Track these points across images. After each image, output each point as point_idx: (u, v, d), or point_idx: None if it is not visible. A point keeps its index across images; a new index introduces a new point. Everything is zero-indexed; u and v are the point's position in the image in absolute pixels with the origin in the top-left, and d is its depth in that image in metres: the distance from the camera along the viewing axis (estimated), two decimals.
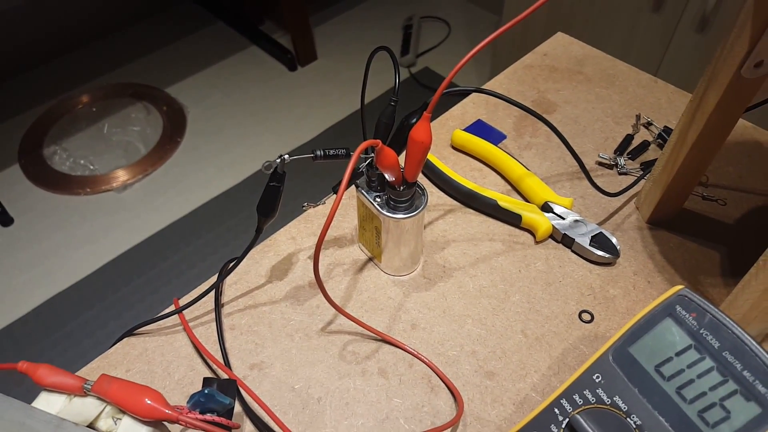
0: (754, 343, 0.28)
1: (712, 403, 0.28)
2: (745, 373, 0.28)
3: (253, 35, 1.98)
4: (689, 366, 0.29)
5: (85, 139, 1.69)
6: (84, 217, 1.50)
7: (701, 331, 0.29)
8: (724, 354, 0.29)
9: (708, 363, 0.29)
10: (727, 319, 0.29)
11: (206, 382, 0.32)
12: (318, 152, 0.36)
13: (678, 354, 0.30)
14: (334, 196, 0.48)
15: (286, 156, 0.35)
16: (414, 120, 0.39)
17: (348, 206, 0.48)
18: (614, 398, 0.30)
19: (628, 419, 0.30)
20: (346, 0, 2.15)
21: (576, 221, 0.44)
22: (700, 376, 0.29)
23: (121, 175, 1.61)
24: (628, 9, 1.16)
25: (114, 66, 1.90)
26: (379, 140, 0.34)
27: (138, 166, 1.64)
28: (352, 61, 1.91)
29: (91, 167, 1.63)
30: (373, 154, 0.36)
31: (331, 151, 0.36)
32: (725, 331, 0.29)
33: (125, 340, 0.40)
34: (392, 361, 0.39)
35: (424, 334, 0.40)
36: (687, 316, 0.30)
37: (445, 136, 0.53)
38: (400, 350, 0.39)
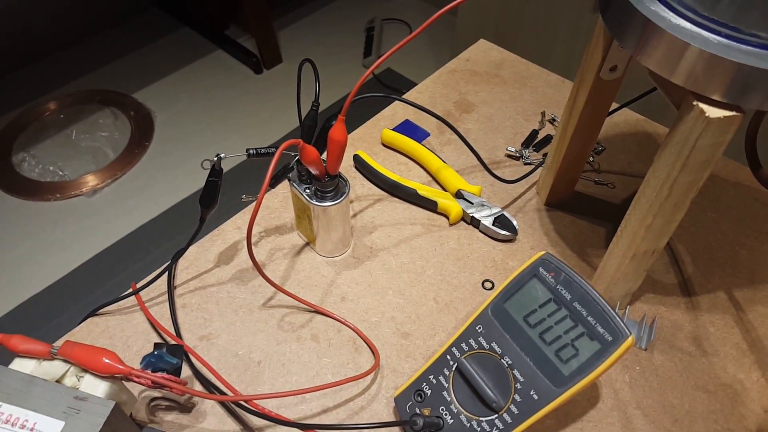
0: (596, 294, 0.36)
1: (566, 344, 0.35)
2: (590, 318, 0.35)
3: (218, 40, 2.02)
4: (549, 315, 0.36)
5: (53, 146, 1.72)
6: (55, 222, 1.53)
7: (558, 287, 0.37)
8: (574, 304, 0.36)
9: (563, 312, 0.36)
10: (577, 275, 0.36)
11: (156, 346, 0.38)
12: (251, 151, 0.42)
13: (541, 306, 0.37)
14: (271, 189, 0.54)
15: (222, 154, 0.41)
16: (332, 122, 0.45)
17: (287, 199, 0.54)
18: (492, 344, 0.37)
19: (502, 360, 0.37)
20: (309, 4, 2.20)
21: (483, 205, 0.52)
22: (557, 323, 0.36)
23: (91, 180, 1.64)
24: (570, 10, 1.25)
25: (81, 73, 1.92)
26: (300, 140, 0.41)
27: (107, 170, 1.67)
28: (317, 64, 1.96)
29: (61, 173, 1.66)
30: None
31: (262, 150, 0.42)
32: (575, 285, 0.36)
33: (89, 319, 0.45)
34: (323, 328, 0.45)
35: (352, 305, 0.47)
36: (548, 275, 0.37)
37: (376, 135, 0.60)
38: (331, 319, 0.46)
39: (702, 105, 0.32)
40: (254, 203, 0.52)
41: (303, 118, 0.45)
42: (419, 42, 2.03)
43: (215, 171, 0.42)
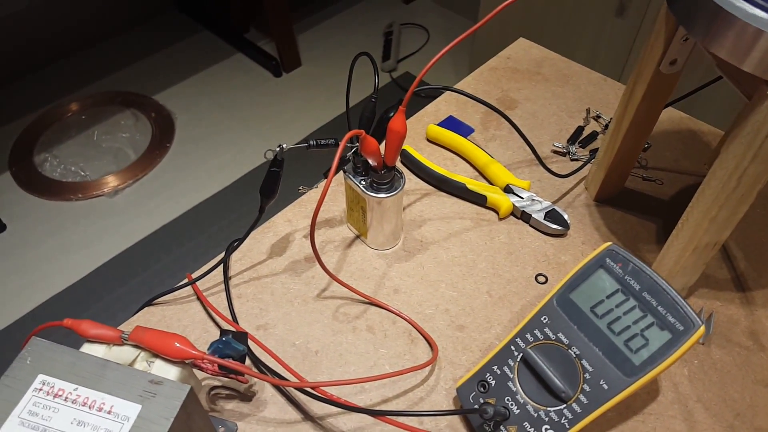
0: (665, 284, 0.36)
1: (635, 333, 0.35)
2: (660, 308, 0.35)
3: (239, 43, 2.03)
4: (617, 306, 0.36)
5: (75, 146, 1.73)
6: (77, 222, 1.54)
7: (626, 278, 0.37)
8: (643, 294, 0.36)
9: (631, 302, 0.36)
10: (645, 266, 0.36)
11: (223, 333, 0.38)
12: (311, 142, 0.42)
13: (608, 297, 0.37)
14: (325, 180, 0.54)
15: (285, 145, 0.41)
16: (391, 113, 0.45)
17: (336, 192, 0.54)
18: (558, 334, 0.37)
19: (569, 350, 0.37)
20: (328, 8, 2.21)
21: (533, 200, 0.52)
22: (625, 313, 0.36)
23: (112, 181, 1.65)
24: (594, 15, 1.25)
25: (102, 75, 1.94)
26: (362, 130, 0.41)
27: (128, 171, 1.68)
28: (335, 67, 1.98)
29: (82, 173, 1.67)
30: (357, 143, 0.43)
31: (322, 141, 0.42)
32: (644, 276, 0.36)
33: (146, 309, 0.46)
34: (378, 319, 0.45)
35: (405, 297, 0.47)
36: (614, 266, 0.37)
37: (420, 131, 0.60)
38: (385, 310, 0.46)
39: None
40: (313, 193, 0.52)
41: (362, 110, 0.45)
42: (438, 47, 2.04)
43: (277, 161, 0.42)
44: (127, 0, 2.06)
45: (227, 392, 0.41)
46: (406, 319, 0.45)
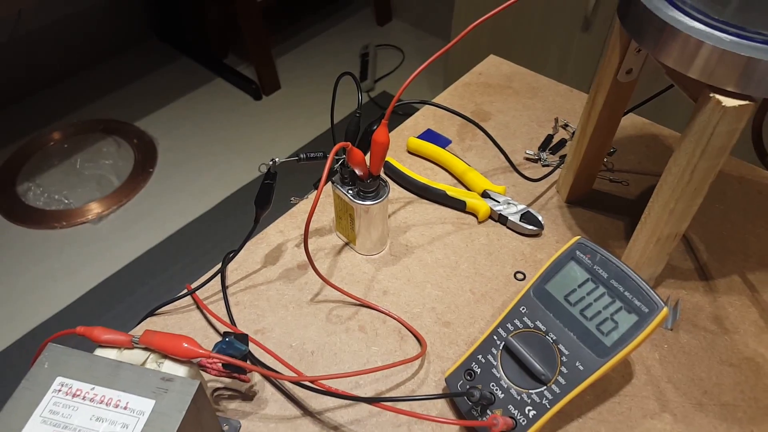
0: (631, 271, 0.39)
1: (605, 318, 0.39)
2: (626, 294, 0.39)
3: (218, 68, 2.07)
4: (588, 293, 0.40)
5: (58, 175, 1.74)
6: (61, 249, 1.54)
7: (594, 267, 0.40)
8: (611, 282, 0.39)
9: (601, 290, 0.40)
10: (612, 256, 0.40)
11: (225, 334, 0.41)
12: (302, 155, 0.45)
13: (580, 286, 0.40)
14: (315, 191, 0.57)
15: (277, 159, 0.44)
16: (375, 127, 0.49)
17: (324, 204, 0.57)
18: (536, 322, 0.41)
19: (546, 336, 0.40)
20: (306, 31, 2.27)
21: (509, 204, 0.55)
22: (596, 300, 0.39)
23: (96, 208, 1.66)
24: (561, 30, 1.31)
25: (84, 103, 1.96)
26: (349, 142, 0.44)
27: (112, 197, 1.69)
28: (314, 89, 2.02)
29: (66, 201, 1.67)
30: (344, 155, 0.46)
31: (312, 154, 0.46)
32: (611, 265, 0.40)
33: (148, 319, 0.48)
34: (369, 320, 0.48)
35: (394, 297, 0.50)
36: (584, 257, 0.41)
37: (402, 144, 0.63)
38: (375, 311, 0.49)
39: (718, 96, 0.36)
40: (304, 203, 0.55)
41: (348, 124, 0.49)
42: (413, 66, 2.10)
43: (270, 174, 0.45)
44: (107, 30, 2.08)
45: (230, 393, 0.44)
46: (395, 318, 0.48)
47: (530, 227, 0.54)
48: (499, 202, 0.56)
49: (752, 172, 0.60)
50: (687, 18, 0.37)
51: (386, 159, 0.60)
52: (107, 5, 2.04)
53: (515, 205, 0.55)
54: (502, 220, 0.55)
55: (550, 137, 0.63)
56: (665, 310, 0.37)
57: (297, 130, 1.86)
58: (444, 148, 0.62)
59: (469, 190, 0.58)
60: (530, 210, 0.55)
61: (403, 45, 2.21)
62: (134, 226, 1.60)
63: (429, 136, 0.64)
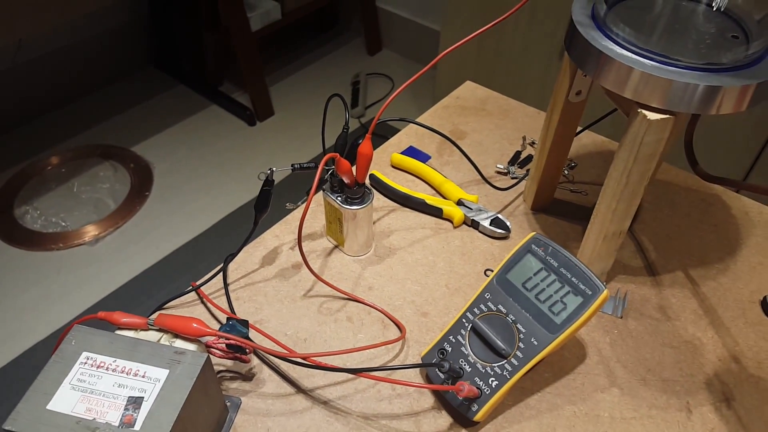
0: (577, 260, 0.46)
1: (556, 300, 0.45)
2: (573, 279, 0.45)
3: (214, 95, 2.15)
4: (542, 280, 0.46)
5: (55, 198, 1.79)
6: (58, 271, 1.58)
7: (547, 258, 0.47)
8: (561, 270, 0.46)
9: (552, 277, 0.46)
10: (561, 248, 0.47)
11: (228, 319, 0.46)
12: (295, 165, 0.52)
13: (535, 274, 0.47)
14: (308, 197, 0.64)
15: (274, 168, 0.51)
16: (360, 141, 0.56)
17: (316, 212, 0.64)
18: (498, 306, 0.47)
19: (507, 317, 0.46)
20: (299, 60, 2.36)
21: (480, 211, 0.62)
22: (548, 285, 0.46)
23: (92, 230, 1.70)
24: (539, 58, 1.41)
25: (82, 129, 2.02)
26: (337, 153, 0.51)
27: (108, 220, 1.74)
28: (306, 115, 2.10)
29: (63, 224, 1.72)
30: (334, 166, 0.53)
31: (305, 164, 0.52)
32: (560, 255, 0.46)
33: (156, 313, 0.53)
34: (356, 311, 0.54)
35: (378, 292, 0.56)
36: (538, 250, 0.47)
37: (386, 159, 0.70)
38: (362, 304, 0.55)
39: (644, 111, 0.43)
40: (297, 210, 0.62)
41: (337, 138, 0.56)
42: (402, 93, 2.19)
43: (268, 181, 0.51)
44: (106, 58, 2.16)
45: (232, 374, 0.49)
46: (379, 310, 0.54)
47: (499, 231, 0.60)
48: (472, 209, 0.62)
49: (697, 182, 0.67)
50: (619, 48, 0.45)
51: (372, 172, 0.67)
52: (106, 35, 2.13)
53: (486, 212, 0.62)
54: (474, 225, 0.62)
55: (518, 153, 0.70)
56: (605, 292, 0.44)
57: (289, 154, 1.94)
58: (424, 162, 0.69)
59: (445, 199, 0.65)
60: (499, 216, 0.62)
61: (392, 73, 2.31)
62: (130, 247, 1.65)
63: (411, 152, 0.71)
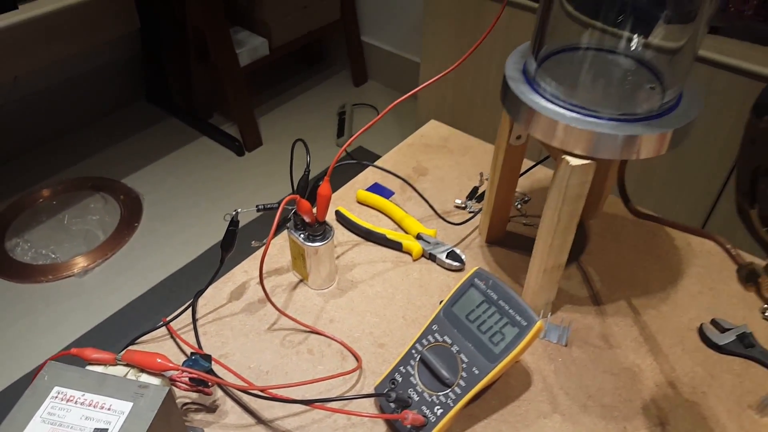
0: (514, 293, 0.49)
1: (496, 331, 0.49)
2: (510, 311, 0.49)
3: (203, 127, 2.20)
4: (483, 312, 0.50)
5: (46, 230, 1.82)
6: (47, 303, 1.61)
7: (488, 291, 0.50)
8: (500, 302, 0.50)
9: (492, 309, 0.50)
10: (501, 282, 0.50)
11: (192, 354, 0.50)
12: (259, 206, 0.56)
13: (477, 306, 0.50)
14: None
15: (239, 209, 0.55)
16: (320, 182, 0.60)
17: (283, 247, 0.67)
18: (444, 337, 0.50)
19: (451, 348, 0.50)
20: (287, 92, 2.43)
21: (438, 244, 0.66)
22: (489, 317, 0.50)
23: (81, 261, 1.73)
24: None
25: (74, 162, 2.07)
26: (297, 195, 0.55)
27: (98, 251, 1.77)
28: (296, 144, 2.15)
29: (53, 256, 1.75)
30: (296, 206, 0.57)
31: (268, 205, 0.56)
32: (500, 288, 0.50)
33: (127, 349, 0.57)
34: (317, 344, 0.58)
35: (339, 324, 0.59)
36: (480, 283, 0.51)
37: (352, 195, 0.74)
38: (322, 336, 0.58)
39: (568, 158, 0.48)
40: (262, 247, 0.65)
41: (298, 180, 0.60)
42: (387, 123, 2.25)
43: (233, 222, 0.55)
44: (98, 93, 2.22)
45: (196, 406, 0.52)
46: (338, 342, 0.58)
47: (454, 263, 0.64)
48: (430, 243, 0.66)
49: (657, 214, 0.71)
50: (546, 101, 0.49)
51: (338, 208, 0.71)
52: (100, 71, 2.19)
53: (443, 246, 0.66)
54: (432, 258, 0.66)
55: (475, 188, 0.74)
56: (539, 323, 0.47)
57: (278, 183, 1.98)
58: (387, 198, 0.73)
59: (406, 233, 0.69)
60: (455, 249, 0.66)
61: (377, 104, 2.38)
62: (118, 278, 1.68)
63: (376, 188, 0.76)
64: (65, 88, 2.12)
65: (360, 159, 2.19)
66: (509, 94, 0.51)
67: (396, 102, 0.57)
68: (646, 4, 0.47)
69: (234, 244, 0.56)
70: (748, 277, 0.40)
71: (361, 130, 0.56)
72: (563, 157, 0.48)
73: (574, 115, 0.48)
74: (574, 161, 0.47)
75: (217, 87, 2.12)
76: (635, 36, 0.48)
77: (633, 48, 0.49)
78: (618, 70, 0.51)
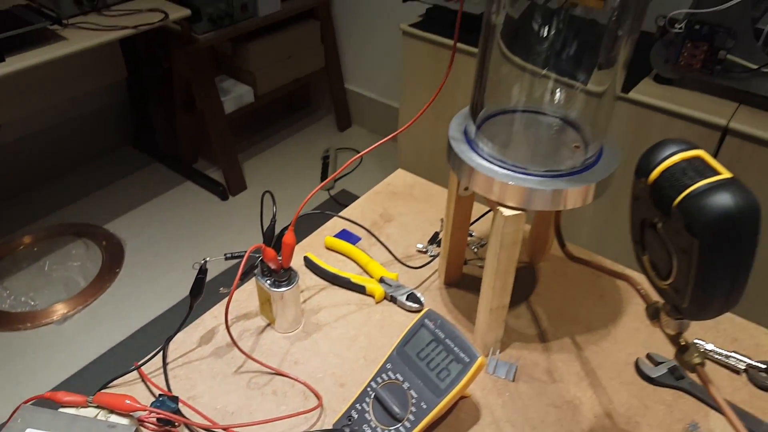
0: (459, 331, 0.54)
1: (442, 368, 0.53)
2: (455, 349, 0.53)
3: (188, 172, 2.25)
4: (432, 350, 0.54)
5: (26, 277, 1.83)
6: (24, 351, 1.60)
7: (436, 331, 0.55)
8: (446, 341, 0.54)
9: (440, 347, 0.54)
10: (448, 322, 0.55)
11: (160, 396, 0.53)
12: (227, 254, 0.61)
13: (427, 345, 0.55)
14: (241, 285, 0.72)
15: (208, 258, 0.59)
16: (285, 231, 0.64)
17: (253, 293, 0.71)
18: (397, 375, 0.54)
19: (403, 385, 0.54)
20: (272, 137, 2.50)
21: (399, 287, 0.71)
22: (437, 355, 0.54)
23: (61, 308, 1.74)
24: None
25: (57, 208, 2.09)
26: (262, 244, 0.60)
27: (78, 298, 1.78)
28: (278, 188, 2.21)
29: (32, 303, 1.76)
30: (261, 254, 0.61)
31: (235, 253, 0.61)
32: (447, 328, 0.55)
33: (102, 391, 0.60)
34: (281, 385, 0.61)
35: (303, 366, 0.63)
36: (430, 324, 0.56)
37: (321, 241, 0.79)
38: (287, 378, 0.62)
39: (502, 209, 0.53)
40: (229, 293, 0.69)
41: (265, 229, 0.64)
42: (369, 166, 2.33)
43: (202, 270, 0.60)
44: (84, 139, 2.27)
45: None
46: (302, 383, 0.61)
47: (414, 305, 0.69)
48: (391, 286, 0.71)
49: (590, 256, 0.77)
50: (483, 160, 0.55)
51: (306, 254, 0.76)
52: (86, 118, 2.25)
53: (404, 288, 0.71)
54: (393, 300, 0.70)
55: (437, 234, 0.80)
56: (480, 359, 0.52)
57: (259, 228, 2.02)
58: (354, 244, 0.78)
59: (371, 277, 0.73)
60: (414, 292, 0.70)
61: (361, 148, 2.46)
62: (98, 325, 1.69)
63: (343, 235, 0.81)
64: (51, 135, 2.17)
65: (344, 202, 2.26)
66: (452, 154, 0.57)
67: (368, 150, 0.63)
68: (569, 55, 0.53)
69: (202, 291, 0.60)
70: (654, 314, 0.45)
71: (330, 177, 0.62)
72: (498, 208, 0.53)
73: (507, 172, 0.54)
74: (507, 212, 0.53)
75: (202, 133, 2.19)
76: (559, 93, 0.55)
77: (558, 106, 0.56)
78: (546, 131, 0.57)
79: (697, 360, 0.44)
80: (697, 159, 0.38)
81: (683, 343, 0.45)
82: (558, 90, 0.55)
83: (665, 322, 0.44)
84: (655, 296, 0.46)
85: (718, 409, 0.55)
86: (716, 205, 0.34)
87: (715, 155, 1.23)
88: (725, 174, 0.36)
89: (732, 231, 0.35)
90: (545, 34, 0.52)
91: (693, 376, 0.61)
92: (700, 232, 0.35)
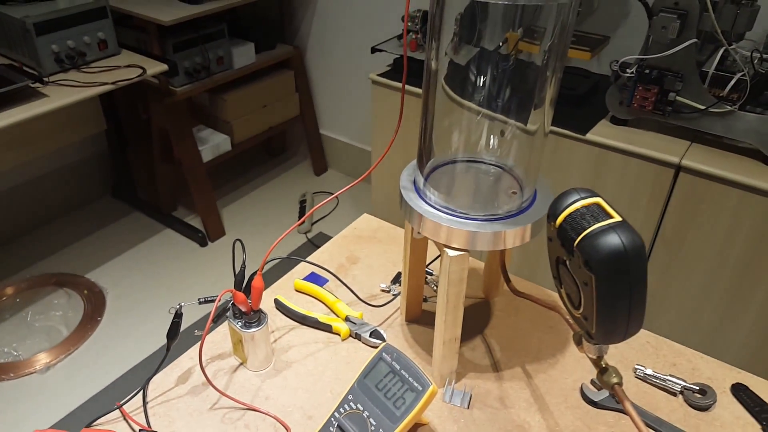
0: (413, 362, 0.60)
1: (399, 397, 0.58)
2: (410, 379, 0.59)
3: (167, 220, 2.30)
4: (389, 381, 0.60)
5: (8, 328, 1.84)
6: (7, 402, 1.61)
7: (393, 363, 0.60)
8: (402, 372, 0.59)
9: (396, 378, 0.60)
10: (404, 354, 0.61)
11: (139, 431, 0.58)
12: (200, 299, 0.66)
13: (384, 376, 0.60)
14: (215, 327, 0.77)
15: (182, 303, 0.65)
16: (254, 276, 0.70)
17: (226, 335, 0.76)
18: (357, 405, 0.60)
19: (363, 414, 0.59)
20: (250, 183, 2.57)
21: (363, 325, 0.76)
22: (393, 385, 0.59)
23: (44, 358, 1.75)
24: None
25: (38, 259, 2.12)
26: (233, 288, 0.66)
27: (60, 347, 1.79)
28: (256, 233, 2.26)
29: (15, 353, 1.76)
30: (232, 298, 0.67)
31: (208, 298, 0.66)
32: (403, 359, 0.60)
33: (83, 430, 0.64)
34: (253, 419, 0.66)
35: (273, 401, 0.68)
36: (387, 357, 0.61)
37: (290, 284, 0.85)
38: (258, 412, 0.66)
39: (447, 250, 0.60)
40: (206, 338, 0.74)
41: (236, 275, 0.70)
42: (345, 210, 2.40)
43: (178, 314, 0.65)
44: (64, 190, 2.32)
45: None
46: (272, 417, 0.66)
47: (377, 341, 0.74)
48: (356, 324, 0.77)
49: (540, 291, 0.83)
50: (430, 207, 0.62)
51: (277, 297, 0.81)
52: (65, 169, 2.30)
53: (368, 326, 0.76)
54: (358, 337, 0.76)
55: (399, 274, 0.86)
56: (432, 387, 0.57)
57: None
58: (322, 286, 0.84)
59: (336, 316, 0.79)
60: (377, 329, 0.76)
61: (336, 191, 2.53)
62: (80, 374, 1.70)
63: (312, 277, 0.86)
64: (32, 187, 2.21)
65: (320, 244, 2.32)
66: (404, 202, 0.64)
67: (339, 192, 0.70)
68: (506, 97, 0.59)
69: (178, 334, 0.66)
70: (579, 341, 0.51)
71: (301, 220, 0.68)
72: (444, 249, 0.60)
73: (451, 217, 0.61)
74: (453, 253, 0.60)
75: (181, 181, 2.25)
76: (494, 138, 0.62)
77: (495, 152, 0.63)
78: (485, 178, 0.64)
79: (615, 380, 0.50)
80: (595, 205, 0.45)
81: (604, 366, 0.51)
82: (495, 134, 0.62)
83: (586, 347, 0.50)
84: None
85: (654, 427, 0.61)
86: (606, 244, 0.41)
87: (670, 191, 1.31)
88: (616, 218, 0.43)
89: (621, 265, 0.41)
90: (485, 78, 0.58)
91: (634, 399, 0.67)
92: (595, 267, 0.42)
